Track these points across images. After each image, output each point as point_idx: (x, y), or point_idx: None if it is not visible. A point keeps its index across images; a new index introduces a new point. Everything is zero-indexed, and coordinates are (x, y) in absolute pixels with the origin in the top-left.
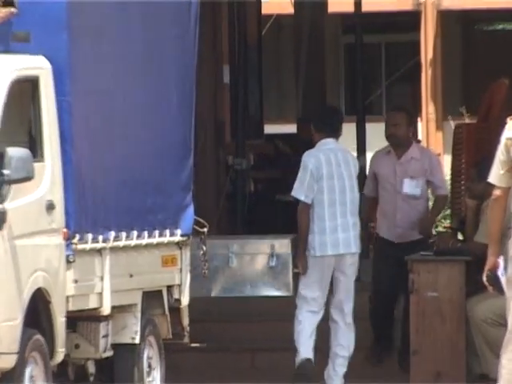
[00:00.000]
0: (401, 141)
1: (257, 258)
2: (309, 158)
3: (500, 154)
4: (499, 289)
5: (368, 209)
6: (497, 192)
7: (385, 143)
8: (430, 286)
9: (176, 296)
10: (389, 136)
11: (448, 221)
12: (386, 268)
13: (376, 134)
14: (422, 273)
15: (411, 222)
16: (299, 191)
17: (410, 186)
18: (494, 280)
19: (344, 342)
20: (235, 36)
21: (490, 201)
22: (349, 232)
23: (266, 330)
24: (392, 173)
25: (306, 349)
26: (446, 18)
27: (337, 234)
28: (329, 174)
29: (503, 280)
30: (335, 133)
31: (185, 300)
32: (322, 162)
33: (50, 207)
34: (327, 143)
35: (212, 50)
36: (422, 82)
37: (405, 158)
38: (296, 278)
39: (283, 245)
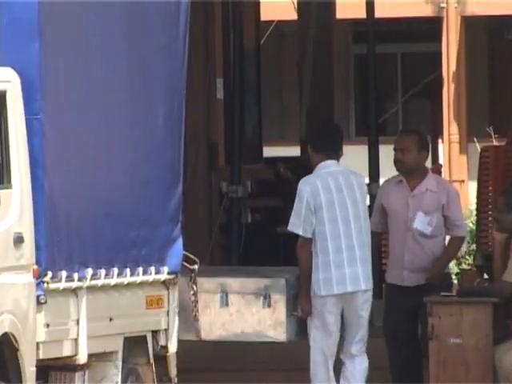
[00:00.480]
0: (409, 169)
1: (249, 300)
2: (304, 186)
3: None
4: None
5: (373, 245)
6: None
7: None
8: (452, 332)
9: (162, 342)
10: (395, 162)
11: (472, 257)
12: (393, 317)
13: (391, 158)
14: (444, 316)
15: (420, 264)
16: (296, 225)
17: (421, 222)
18: None
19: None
20: (230, 45)
21: None
22: (356, 267)
23: (265, 380)
24: (404, 206)
25: None
26: (470, 25)
27: (343, 270)
28: (328, 201)
29: None
30: (336, 154)
31: (172, 347)
32: (320, 189)
33: (18, 240)
34: (327, 166)
35: (204, 61)
36: (444, 99)
37: (419, 190)
38: (300, 321)
39: (277, 285)
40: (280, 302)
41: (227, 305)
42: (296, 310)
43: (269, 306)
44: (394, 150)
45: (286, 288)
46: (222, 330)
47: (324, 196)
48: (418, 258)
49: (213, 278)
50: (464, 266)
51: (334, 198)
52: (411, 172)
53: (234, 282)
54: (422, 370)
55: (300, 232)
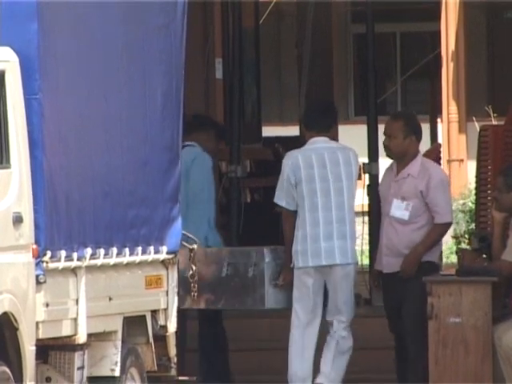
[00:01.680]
0: (395, 155)
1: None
2: (286, 161)
3: None
4: None
5: None
6: None
7: None
8: (451, 311)
9: (162, 322)
10: (384, 148)
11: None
12: (386, 303)
13: None
14: (443, 296)
15: (398, 250)
16: (280, 197)
17: (397, 208)
18: None
19: (326, 367)
20: (229, 25)
21: None
22: (332, 241)
23: (264, 359)
24: (388, 191)
25: (296, 367)
26: (469, 4)
27: (319, 243)
28: (309, 176)
29: None
30: (326, 131)
31: (172, 327)
32: (300, 163)
33: (18, 220)
34: (314, 142)
35: (203, 41)
36: (443, 78)
37: (401, 175)
38: (281, 291)
39: (261, 254)
40: (262, 269)
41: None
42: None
43: (254, 274)
44: (384, 134)
45: (270, 257)
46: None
47: (304, 170)
48: (395, 244)
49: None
50: (463, 245)
51: (315, 172)
52: (399, 157)
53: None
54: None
55: (283, 204)
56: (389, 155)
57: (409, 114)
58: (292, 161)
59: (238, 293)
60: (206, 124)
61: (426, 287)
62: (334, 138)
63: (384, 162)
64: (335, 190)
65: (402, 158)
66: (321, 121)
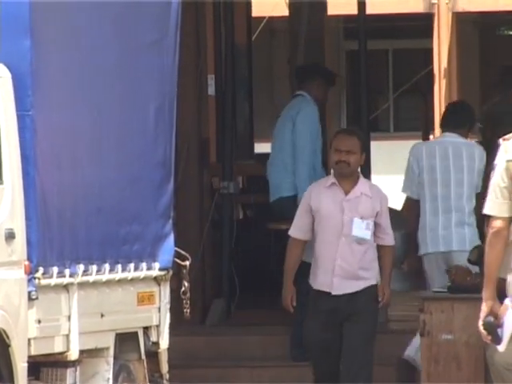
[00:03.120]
0: (352, 171)
1: None
2: (411, 152)
3: (500, 181)
4: (496, 338)
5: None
6: (497, 224)
7: (393, 163)
8: (444, 328)
9: (154, 339)
10: (337, 163)
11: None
12: (318, 326)
13: (382, 154)
14: (435, 313)
15: (352, 271)
16: (406, 187)
17: (359, 228)
18: (492, 328)
19: None
20: (222, 41)
21: (488, 234)
22: (450, 229)
23: (260, 376)
24: (338, 210)
25: None
26: (462, 21)
27: (437, 231)
28: (430, 166)
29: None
30: (457, 128)
31: (164, 343)
32: (423, 154)
33: (10, 236)
34: (443, 136)
35: (195, 57)
36: (435, 95)
37: (354, 194)
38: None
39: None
40: None
41: None
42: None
43: None
44: (337, 150)
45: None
46: None
47: (426, 161)
48: (350, 265)
49: None
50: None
51: (437, 163)
52: (352, 175)
53: None
54: None
55: (409, 194)
56: (343, 172)
57: (359, 130)
58: (415, 152)
59: None
60: (315, 72)
61: (420, 304)
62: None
63: (375, 179)
64: (455, 181)
65: (350, 176)
66: (452, 119)
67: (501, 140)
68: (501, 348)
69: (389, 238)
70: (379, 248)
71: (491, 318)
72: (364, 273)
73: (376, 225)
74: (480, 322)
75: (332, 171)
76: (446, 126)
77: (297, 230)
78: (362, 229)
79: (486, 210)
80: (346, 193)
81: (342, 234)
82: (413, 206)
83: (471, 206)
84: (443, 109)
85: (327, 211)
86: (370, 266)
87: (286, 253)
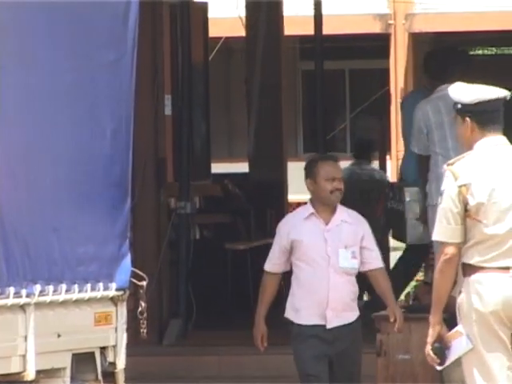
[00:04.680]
0: (338, 200)
1: None
2: (416, 111)
3: (452, 206)
4: (443, 361)
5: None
6: (450, 250)
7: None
8: (401, 348)
9: (111, 359)
10: (332, 192)
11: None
12: (314, 361)
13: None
14: (392, 332)
15: (346, 302)
16: (413, 145)
17: (345, 259)
18: (442, 352)
19: None
20: (178, 61)
21: (439, 261)
22: None
23: None
24: (320, 242)
25: None
26: (418, 42)
27: None
28: (438, 123)
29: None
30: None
31: (120, 363)
32: (429, 112)
33: None
34: (441, 90)
35: (152, 77)
36: (392, 115)
37: (334, 223)
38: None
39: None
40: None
41: None
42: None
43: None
44: (329, 179)
45: (418, 195)
46: None
47: (433, 118)
48: (343, 296)
49: None
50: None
51: (444, 119)
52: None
53: None
54: None
55: (416, 151)
56: (335, 201)
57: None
58: (421, 111)
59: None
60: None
61: (376, 324)
62: None
63: None
64: None
65: (329, 205)
66: (442, 70)
67: (445, 166)
68: (438, 368)
69: (378, 261)
70: (371, 274)
71: (439, 344)
72: (354, 303)
73: (364, 250)
74: (428, 347)
75: (308, 202)
76: (438, 78)
77: (273, 264)
78: (348, 258)
79: (437, 237)
80: (326, 223)
81: (329, 265)
82: (421, 161)
83: None
84: (400, 129)
85: (310, 244)
86: (355, 296)
87: (261, 288)
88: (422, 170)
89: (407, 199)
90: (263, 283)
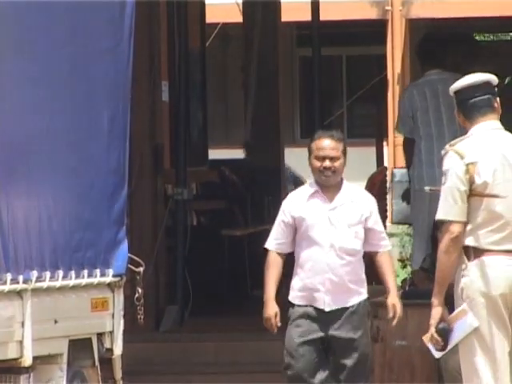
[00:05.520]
0: (336, 179)
1: None
2: (403, 95)
3: (460, 184)
4: (446, 344)
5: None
6: (456, 228)
7: (347, 169)
8: (398, 334)
9: (107, 345)
10: (323, 171)
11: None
12: (308, 349)
13: None
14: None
15: (345, 284)
16: (400, 127)
17: (347, 238)
18: (447, 334)
19: None
20: (175, 48)
21: (445, 240)
22: None
23: (214, 383)
24: (324, 221)
25: None
26: (415, 28)
27: (434, 168)
28: (422, 108)
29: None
30: (437, 64)
31: (117, 349)
32: (415, 96)
33: None
34: (429, 75)
35: (149, 63)
36: (389, 101)
37: (339, 201)
38: None
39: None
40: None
41: None
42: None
43: None
44: (320, 158)
45: (406, 177)
46: None
47: (419, 103)
48: (341, 278)
49: None
50: (409, 269)
51: (428, 104)
52: (336, 182)
53: None
54: None
55: (402, 132)
56: (329, 181)
57: (338, 131)
58: (408, 94)
59: None
60: None
61: (373, 310)
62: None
63: None
64: (448, 119)
65: (335, 183)
66: (429, 56)
67: (447, 146)
68: (437, 355)
69: (386, 243)
70: (376, 256)
71: (445, 325)
72: (356, 286)
73: (369, 231)
74: (433, 329)
75: (313, 178)
76: (427, 63)
77: (277, 243)
78: (350, 238)
79: (443, 216)
80: (330, 201)
81: (329, 245)
82: (408, 143)
83: None
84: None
85: (312, 223)
86: (360, 279)
87: (266, 267)
88: (408, 152)
89: (395, 179)
90: (268, 262)
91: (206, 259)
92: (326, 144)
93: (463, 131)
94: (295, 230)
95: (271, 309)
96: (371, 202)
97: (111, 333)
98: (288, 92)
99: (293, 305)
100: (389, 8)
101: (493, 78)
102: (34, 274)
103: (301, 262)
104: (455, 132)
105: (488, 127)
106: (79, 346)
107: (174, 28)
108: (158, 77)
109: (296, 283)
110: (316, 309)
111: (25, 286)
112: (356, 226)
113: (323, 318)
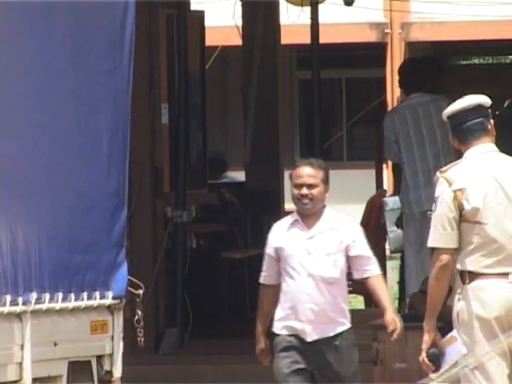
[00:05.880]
0: (316, 207)
1: None
2: (384, 121)
3: (448, 212)
4: (437, 368)
5: None
6: (445, 256)
7: (346, 192)
8: (397, 356)
9: (107, 367)
10: (300, 199)
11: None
12: (298, 378)
13: (336, 183)
14: (388, 341)
15: (326, 314)
16: (386, 153)
17: (325, 266)
18: (437, 358)
19: None
20: (175, 70)
21: (435, 267)
22: (432, 188)
23: None
24: (301, 249)
25: None
26: (414, 51)
27: (419, 192)
28: (404, 132)
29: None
30: (418, 88)
31: (117, 372)
32: (396, 121)
33: None
34: (409, 99)
35: (149, 86)
36: None
37: (317, 229)
38: None
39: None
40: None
41: None
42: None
43: None
44: (298, 185)
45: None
46: None
47: (400, 127)
48: (322, 308)
49: None
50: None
51: (410, 128)
52: (316, 210)
53: None
54: None
55: (389, 158)
56: (307, 209)
57: (320, 159)
58: (389, 120)
59: None
60: None
61: (372, 333)
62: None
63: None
64: (429, 140)
65: (316, 210)
66: (411, 79)
67: (438, 174)
68: (433, 375)
69: (374, 268)
70: (367, 282)
71: (435, 350)
72: (337, 315)
73: (355, 258)
74: (424, 354)
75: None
76: (409, 88)
77: (264, 275)
78: (328, 266)
79: (432, 243)
80: (309, 229)
81: (307, 274)
82: (395, 168)
83: (450, 160)
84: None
85: (290, 253)
86: (341, 308)
87: (259, 302)
88: (396, 178)
89: (387, 208)
90: (259, 297)
91: (206, 282)
92: (304, 171)
93: (446, 152)
94: (279, 260)
95: (259, 344)
96: (354, 229)
97: (111, 355)
98: (287, 114)
99: (277, 335)
100: (388, 31)
101: (485, 100)
102: (34, 295)
103: (283, 292)
104: (438, 153)
105: (481, 150)
106: (79, 369)
107: (173, 50)
108: (158, 99)
109: (279, 313)
110: (299, 339)
111: (24, 307)
112: (335, 255)
113: (306, 348)
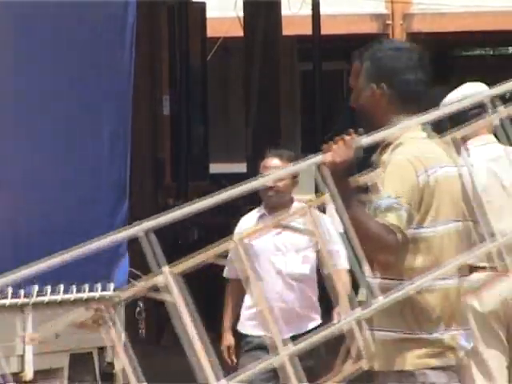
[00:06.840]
0: (282, 200)
1: None
2: None
3: None
4: None
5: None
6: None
7: None
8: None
9: (109, 359)
10: (266, 192)
11: None
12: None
13: None
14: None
15: (294, 313)
16: None
17: (294, 263)
18: None
19: None
20: (177, 62)
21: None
22: None
23: None
24: (269, 246)
25: None
26: (416, 42)
27: None
28: None
29: None
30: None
31: (119, 364)
32: None
33: None
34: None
35: (150, 77)
36: None
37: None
38: None
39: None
40: None
41: None
42: None
43: None
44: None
45: None
46: None
47: None
48: (292, 305)
49: None
50: None
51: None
52: (280, 203)
53: None
54: None
55: None
56: (271, 201)
57: (287, 150)
58: None
59: None
60: None
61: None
62: None
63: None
64: None
65: (283, 204)
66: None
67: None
68: None
69: (340, 262)
70: (329, 276)
71: None
72: (307, 312)
73: (322, 252)
74: None
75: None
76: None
77: (229, 269)
78: (298, 263)
79: None
80: (277, 224)
81: (276, 272)
82: None
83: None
84: None
85: (258, 248)
86: (312, 304)
87: (225, 297)
88: None
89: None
90: (226, 291)
91: (208, 272)
92: (272, 163)
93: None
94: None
95: (225, 341)
96: (324, 222)
97: (113, 347)
98: (289, 105)
99: (246, 335)
100: (390, 22)
101: (483, 89)
102: (35, 288)
103: (250, 289)
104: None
105: (479, 142)
106: (80, 361)
107: (175, 42)
108: (160, 91)
109: (246, 312)
110: (267, 337)
111: (26, 300)
112: (305, 250)
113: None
